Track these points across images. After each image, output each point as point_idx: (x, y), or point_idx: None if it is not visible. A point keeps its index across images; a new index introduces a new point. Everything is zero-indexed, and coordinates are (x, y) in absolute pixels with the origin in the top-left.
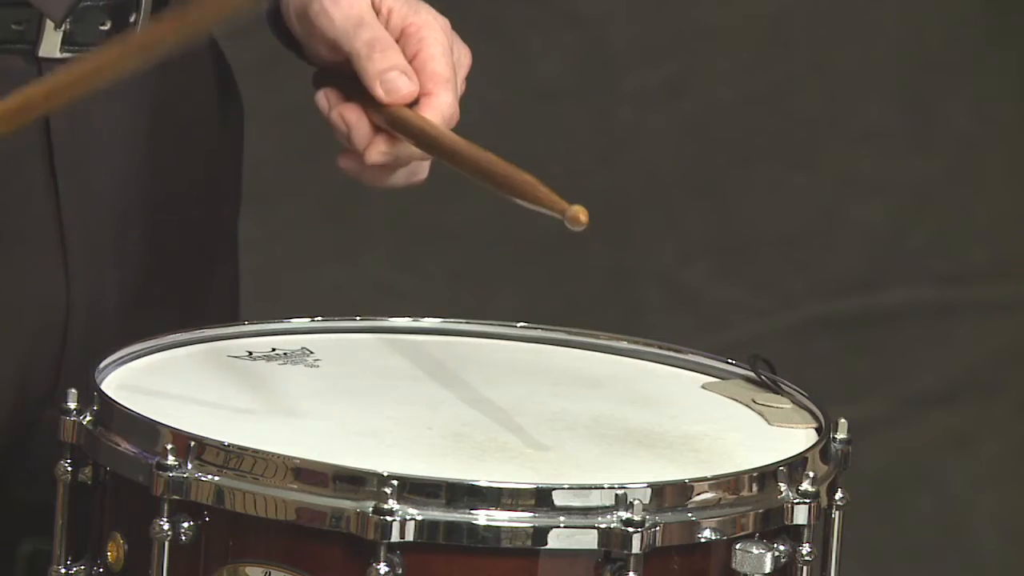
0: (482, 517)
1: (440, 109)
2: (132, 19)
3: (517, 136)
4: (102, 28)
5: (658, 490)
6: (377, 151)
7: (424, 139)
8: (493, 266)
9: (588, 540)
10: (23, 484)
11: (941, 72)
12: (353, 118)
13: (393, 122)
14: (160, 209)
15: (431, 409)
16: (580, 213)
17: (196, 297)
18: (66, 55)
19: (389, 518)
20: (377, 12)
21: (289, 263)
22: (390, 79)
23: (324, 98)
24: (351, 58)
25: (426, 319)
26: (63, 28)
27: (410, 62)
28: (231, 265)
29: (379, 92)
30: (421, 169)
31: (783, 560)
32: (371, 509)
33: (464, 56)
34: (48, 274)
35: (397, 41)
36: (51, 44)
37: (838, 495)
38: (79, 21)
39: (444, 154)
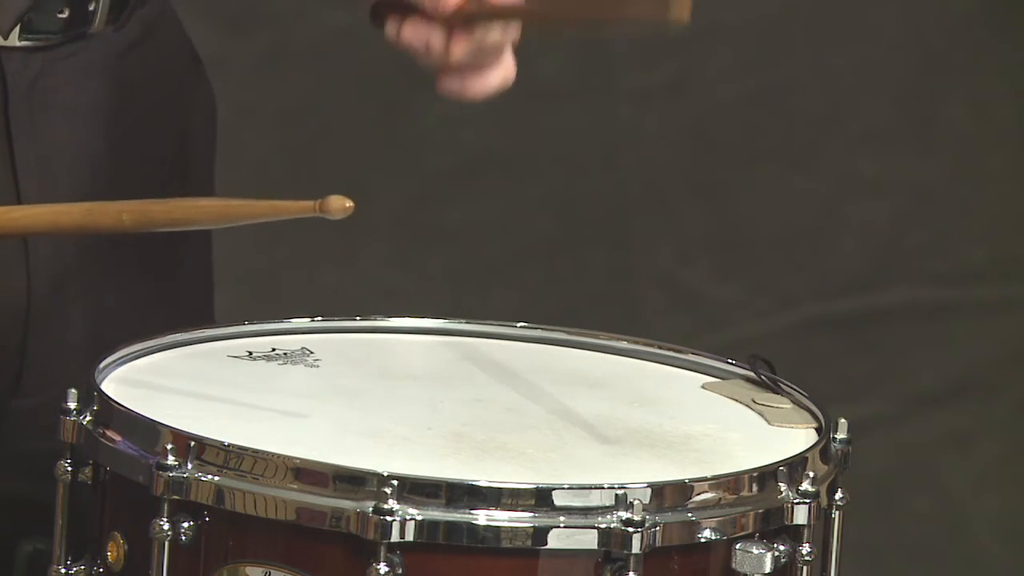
0: (482, 517)
1: None
2: (91, 8)
3: (517, 136)
4: (60, 16)
5: (658, 490)
6: (459, 48)
7: (502, 10)
8: (493, 266)
9: (588, 540)
10: None
11: (941, 72)
12: (423, 30)
13: (465, 18)
14: (125, 193)
15: (431, 409)
16: (683, 10)
17: (163, 283)
18: (25, 43)
19: (389, 518)
20: None
21: (289, 263)
22: None
23: (391, 28)
24: None
25: (426, 319)
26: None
27: None
28: (203, 251)
29: (436, 7)
30: (508, 61)
31: (783, 560)
32: (371, 509)
33: None
34: (8, 260)
35: None
36: (3, 38)
37: (838, 495)
38: (37, 9)
39: (529, 15)
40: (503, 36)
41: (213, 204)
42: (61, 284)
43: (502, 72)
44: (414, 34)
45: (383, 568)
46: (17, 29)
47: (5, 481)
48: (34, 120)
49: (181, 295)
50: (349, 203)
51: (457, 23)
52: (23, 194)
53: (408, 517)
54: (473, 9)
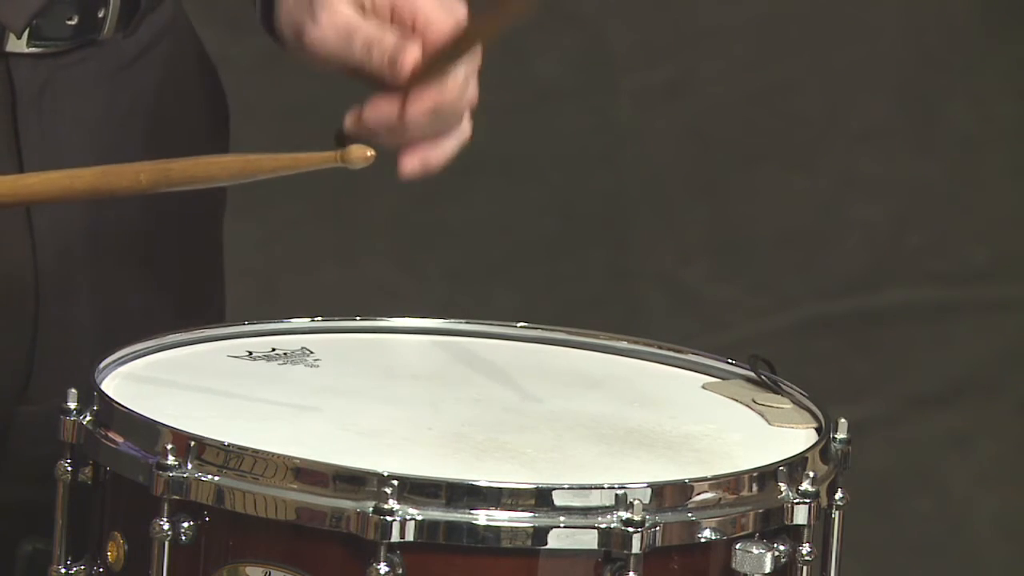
0: (482, 517)
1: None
2: (101, 14)
3: (517, 136)
4: (69, 23)
5: (658, 490)
6: (419, 110)
7: (451, 52)
8: (493, 266)
9: (588, 540)
10: (2, 481)
11: (941, 72)
12: (384, 107)
13: (422, 76)
14: (135, 198)
15: (431, 409)
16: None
17: (174, 290)
18: (33, 49)
19: (389, 518)
20: (361, 6)
21: (289, 263)
22: (397, 62)
23: (351, 120)
24: (358, 68)
25: (426, 319)
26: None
27: (412, 29)
28: (213, 255)
29: (395, 77)
30: (464, 124)
31: (783, 560)
32: (371, 509)
33: None
34: (16, 264)
35: (392, 16)
36: (16, 37)
37: (838, 495)
38: (46, 16)
39: (471, 42)
40: (460, 91)
41: (232, 159)
42: (69, 292)
43: (459, 135)
44: (376, 112)
45: (383, 568)
46: (26, 35)
47: (13, 486)
48: (43, 127)
49: (192, 299)
50: (370, 152)
51: (414, 88)
52: None
53: (408, 517)
54: (427, 60)
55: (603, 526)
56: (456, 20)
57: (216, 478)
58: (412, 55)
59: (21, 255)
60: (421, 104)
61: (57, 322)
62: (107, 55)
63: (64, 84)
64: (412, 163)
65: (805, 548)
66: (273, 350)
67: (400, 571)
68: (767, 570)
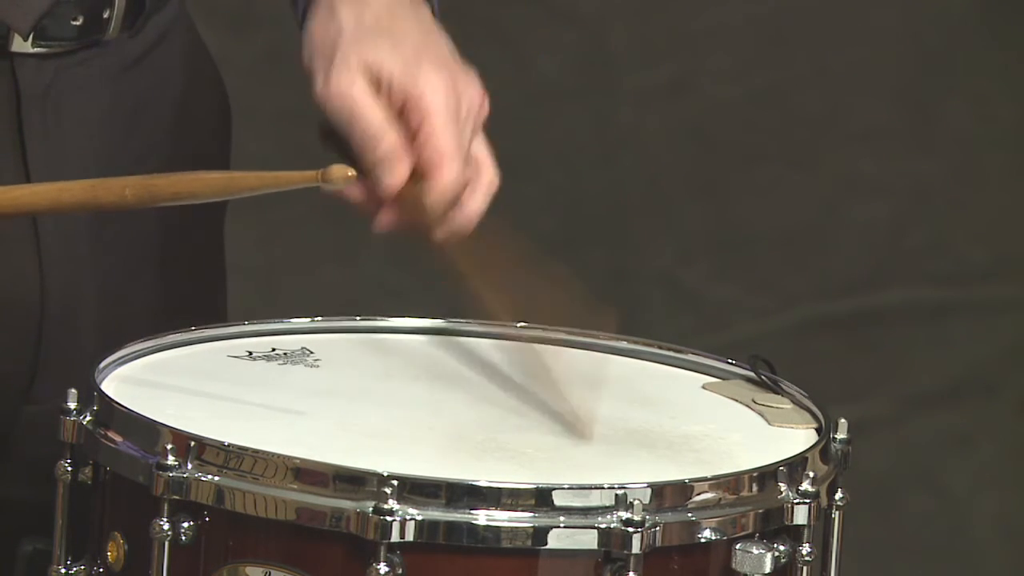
0: (482, 517)
1: (441, 188)
2: (106, 15)
3: (517, 136)
4: (74, 23)
5: (658, 490)
6: (383, 221)
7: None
8: None
9: (588, 540)
10: (6, 481)
11: (941, 72)
12: (366, 189)
13: (404, 192)
14: None
15: (431, 409)
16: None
17: (177, 290)
18: (38, 50)
19: (389, 518)
20: (377, 82)
21: (289, 263)
22: (385, 169)
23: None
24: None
25: (426, 319)
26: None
27: (415, 135)
28: (216, 258)
29: (379, 181)
30: (488, 169)
31: (783, 560)
32: (371, 509)
33: (474, 98)
34: (21, 264)
35: (400, 113)
36: (23, 39)
37: (838, 495)
38: (51, 16)
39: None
40: (451, 190)
41: (216, 177)
42: (75, 292)
43: (486, 188)
44: (356, 196)
45: (383, 568)
46: (31, 35)
47: (17, 485)
48: (47, 127)
49: (193, 300)
50: (351, 172)
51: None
52: None
53: (408, 517)
54: (414, 183)
55: (603, 526)
56: (460, 145)
57: (216, 478)
58: (400, 174)
59: (26, 256)
60: (399, 210)
61: (62, 323)
62: (112, 55)
63: (69, 84)
64: (440, 234)
65: (805, 548)
66: (273, 350)
67: (400, 571)
68: (767, 570)
